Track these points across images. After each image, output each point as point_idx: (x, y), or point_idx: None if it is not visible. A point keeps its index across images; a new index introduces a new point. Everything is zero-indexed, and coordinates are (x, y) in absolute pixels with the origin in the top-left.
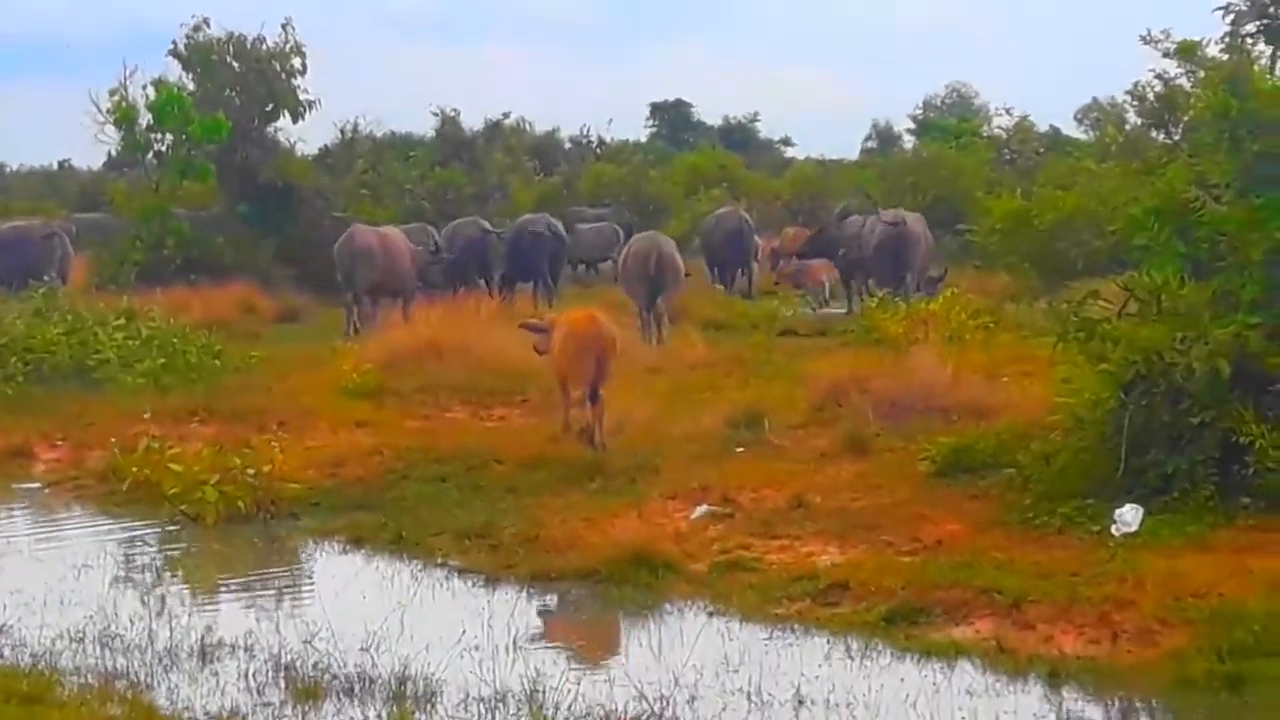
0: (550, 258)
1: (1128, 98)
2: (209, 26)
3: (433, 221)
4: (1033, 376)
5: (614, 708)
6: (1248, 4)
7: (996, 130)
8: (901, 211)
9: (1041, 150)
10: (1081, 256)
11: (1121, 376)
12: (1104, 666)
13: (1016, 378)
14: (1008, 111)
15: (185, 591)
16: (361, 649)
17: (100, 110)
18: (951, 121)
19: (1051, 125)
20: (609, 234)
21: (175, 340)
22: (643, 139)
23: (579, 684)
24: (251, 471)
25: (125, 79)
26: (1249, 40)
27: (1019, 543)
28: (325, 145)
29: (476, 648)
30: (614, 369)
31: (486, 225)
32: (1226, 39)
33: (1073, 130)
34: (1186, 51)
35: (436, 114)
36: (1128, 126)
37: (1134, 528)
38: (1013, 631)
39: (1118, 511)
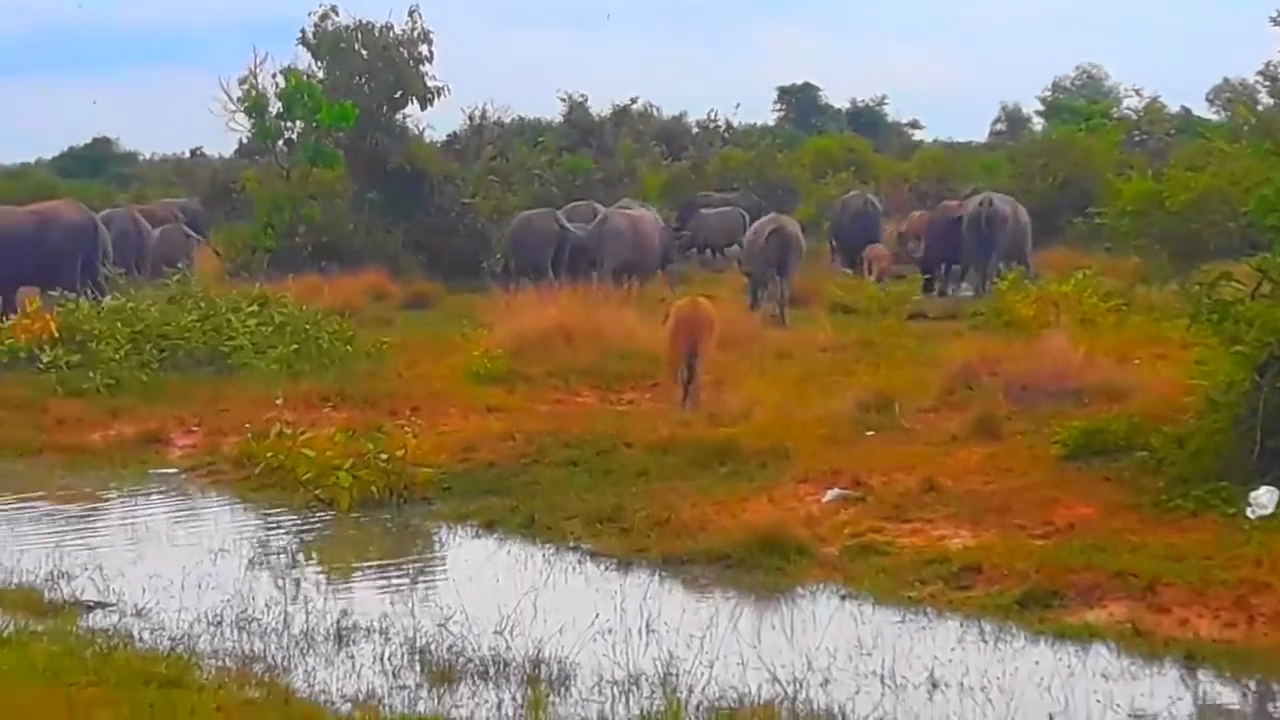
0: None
1: (1259, 78)
2: (337, 15)
3: (558, 206)
4: (1165, 359)
5: (747, 691)
6: None
7: (1126, 112)
8: (991, 193)
9: (1172, 131)
10: (1213, 238)
11: (1255, 358)
12: (1240, 650)
13: (1149, 360)
14: (1138, 93)
15: (320, 576)
16: (495, 632)
17: (231, 98)
18: (1081, 103)
19: (1183, 106)
20: (735, 218)
21: (307, 326)
22: (770, 123)
23: (712, 667)
24: (384, 456)
25: (255, 67)
26: None
27: (1152, 526)
28: (454, 132)
29: (609, 631)
30: (710, 350)
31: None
32: None
33: (1204, 111)
34: None
35: (564, 99)
36: (1260, 107)
37: (1269, 510)
38: (1147, 615)
39: (1252, 494)
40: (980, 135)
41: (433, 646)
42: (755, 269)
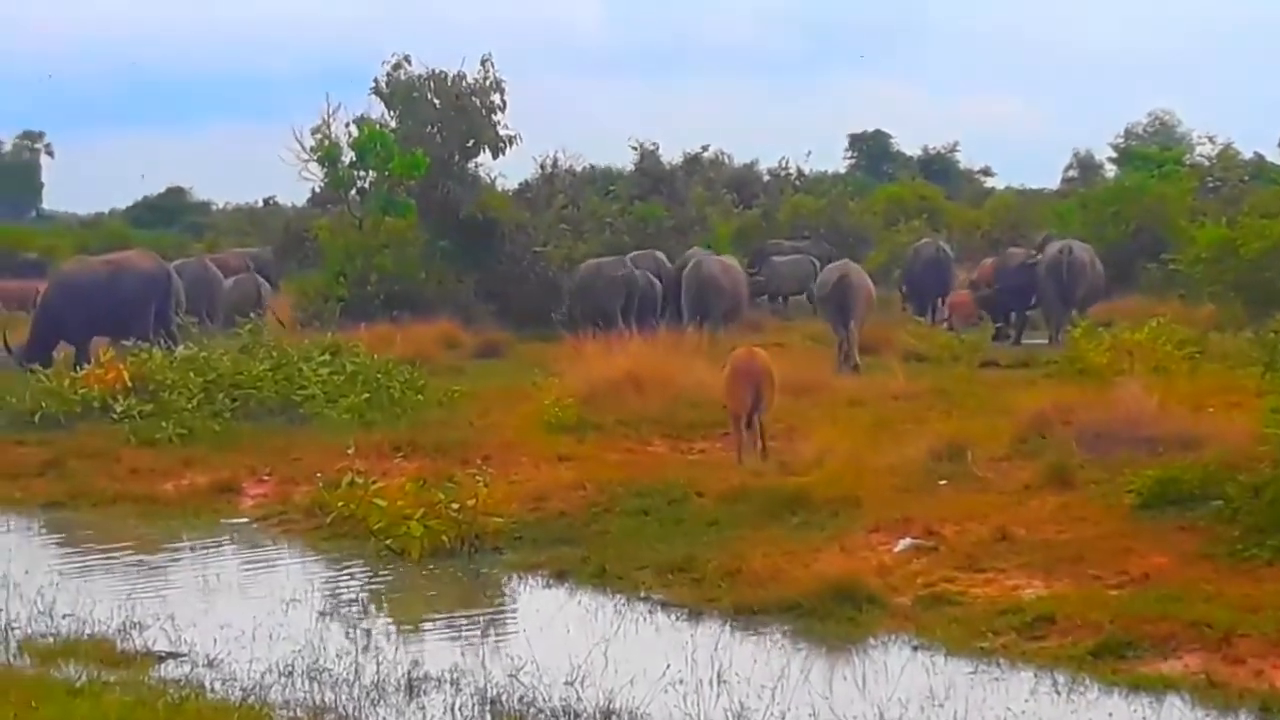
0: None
1: None
2: (410, 64)
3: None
4: (1240, 407)
5: None
6: None
7: (1199, 158)
8: (1072, 241)
9: (1246, 178)
10: None
11: None
12: None
13: (1223, 408)
14: (1210, 139)
15: (391, 626)
16: (566, 683)
17: (304, 148)
18: (1154, 150)
19: (1256, 152)
20: (805, 266)
21: (379, 375)
22: (841, 170)
23: (783, 718)
24: (455, 506)
25: (328, 116)
26: None
27: (1228, 575)
28: (525, 180)
29: (680, 681)
30: (773, 399)
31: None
32: None
33: (1278, 157)
34: None
35: (635, 148)
36: None
37: None
38: (1222, 666)
39: None
40: (1053, 182)
41: (504, 697)
42: (824, 315)
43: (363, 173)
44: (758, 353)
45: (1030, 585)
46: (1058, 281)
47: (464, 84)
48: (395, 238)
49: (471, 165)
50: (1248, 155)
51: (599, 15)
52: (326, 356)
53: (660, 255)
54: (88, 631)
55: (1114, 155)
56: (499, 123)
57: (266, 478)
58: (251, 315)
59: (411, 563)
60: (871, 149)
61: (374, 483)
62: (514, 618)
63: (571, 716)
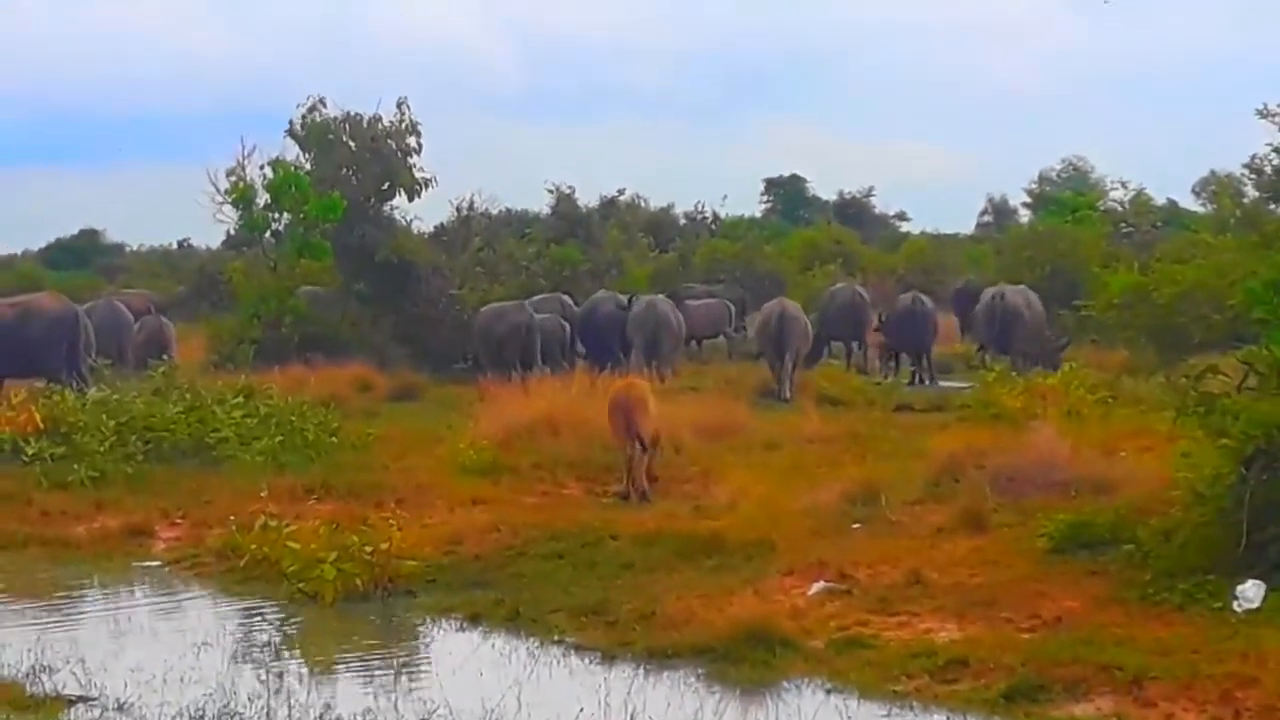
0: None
1: (1245, 171)
2: (325, 106)
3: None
4: (1151, 451)
5: None
6: None
7: (1113, 204)
8: (1006, 287)
9: (1159, 224)
10: (1200, 330)
11: (1242, 451)
12: None
13: (1135, 453)
14: (1124, 185)
15: (304, 669)
16: None
17: (218, 190)
18: (1067, 195)
19: (1169, 198)
20: (719, 310)
21: (293, 418)
22: (758, 214)
23: None
24: (369, 549)
25: (243, 159)
26: None
27: (1139, 619)
28: (441, 223)
29: None
30: (648, 427)
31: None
32: None
33: (1190, 203)
34: None
35: (551, 191)
36: (1245, 199)
37: (1256, 604)
38: (1134, 709)
39: (1239, 588)
40: (967, 227)
41: None
42: (762, 350)
43: (277, 215)
44: (635, 384)
45: (943, 628)
46: (990, 327)
47: (379, 126)
48: (310, 280)
49: (387, 208)
50: (1160, 201)
51: (515, 58)
52: (240, 399)
53: (566, 298)
54: None
55: (1028, 200)
56: (414, 165)
57: (179, 521)
58: (164, 357)
59: (325, 606)
60: (787, 193)
61: (287, 526)
62: (427, 661)
63: None
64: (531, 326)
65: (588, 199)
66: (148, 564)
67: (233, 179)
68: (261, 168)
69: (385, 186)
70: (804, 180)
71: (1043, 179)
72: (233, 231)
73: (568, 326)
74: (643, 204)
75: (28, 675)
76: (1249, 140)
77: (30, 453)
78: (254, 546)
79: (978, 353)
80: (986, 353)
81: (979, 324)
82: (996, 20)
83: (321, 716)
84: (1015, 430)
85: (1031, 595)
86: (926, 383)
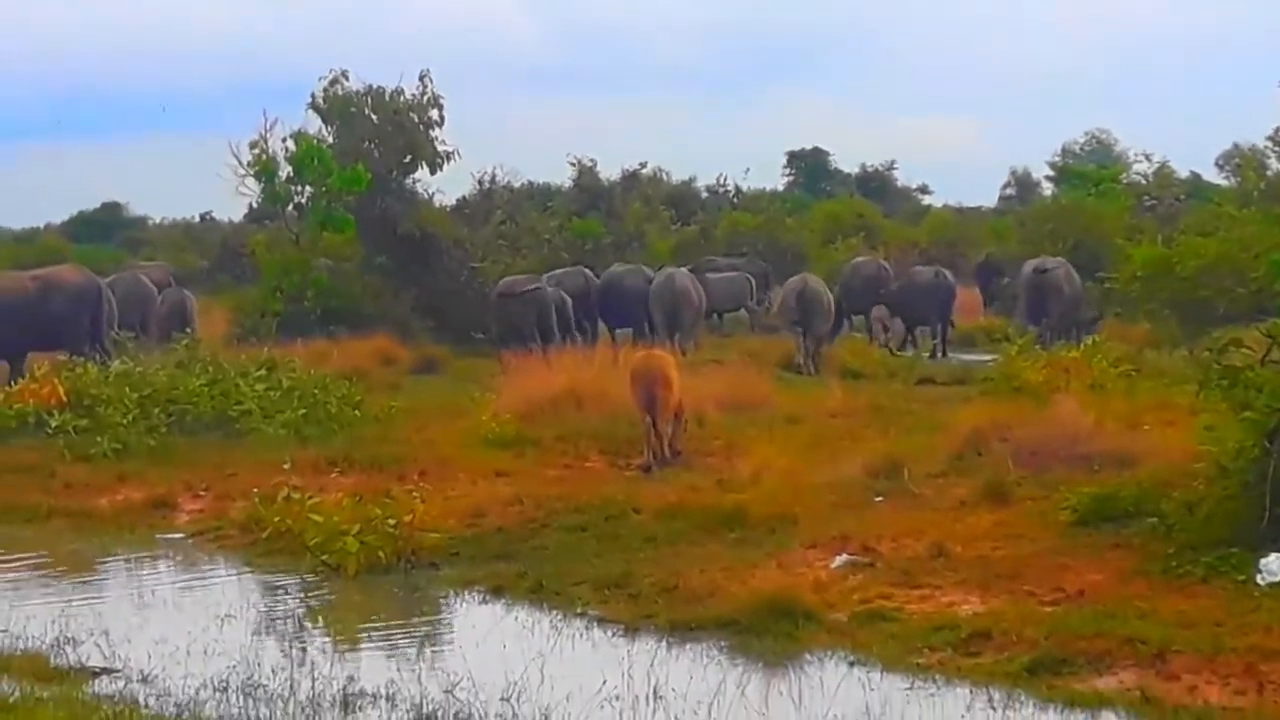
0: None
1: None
2: (348, 80)
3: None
4: (1175, 425)
5: None
6: None
7: (1136, 177)
8: (1046, 259)
9: (1182, 197)
10: (1223, 304)
11: (1265, 424)
12: (1250, 717)
13: (1158, 426)
14: (1147, 158)
15: (327, 641)
16: (502, 699)
17: (241, 163)
18: (1091, 168)
19: (1192, 171)
20: (740, 284)
21: (316, 391)
22: (780, 187)
23: None
24: (392, 522)
25: (265, 132)
26: None
27: (1162, 592)
28: (463, 196)
29: (616, 697)
30: (669, 399)
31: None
32: None
33: (1213, 176)
34: None
35: (574, 164)
36: (1269, 172)
37: (1279, 577)
38: (1157, 682)
39: (1263, 560)
40: (990, 200)
41: (439, 713)
42: (786, 325)
43: (300, 188)
44: (655, 355)
45: (966, 601)
46: (1033, 299)
47: (402, 100)
48: (332, 253)
49: (409, 181)
50: (1184, 174)
51: (537, 31)
52: (263, 372)
53: (588, 272)
54: (21, 647)
55: (1051, 173)
56: (437, 138)
57: (202, 493)
58: (186, 330)
59: (348, 578)
60: (809, 166)
61: (310, 498)
62: (450, 633)
63: None
64: (544, 298)
65: (609, 172)
66: (171, 536)
67: (255, 152)
68: (284, 141)
69: (407, 159)
70: (826, 153)
71: (1066, 152)
72: (255, 205)
73: (569, 299)
74: (664, 177)
75: (52, 647)
76: (1273, 113)
77: (54, 425)
78: (277, 519)
79: (1021, 325)
80: (1033, 325)
81: (1021, 295)
82: None
83: (344, 689)
84: (1038, 404)
85: (1054, 568)
86: (940, 356)
